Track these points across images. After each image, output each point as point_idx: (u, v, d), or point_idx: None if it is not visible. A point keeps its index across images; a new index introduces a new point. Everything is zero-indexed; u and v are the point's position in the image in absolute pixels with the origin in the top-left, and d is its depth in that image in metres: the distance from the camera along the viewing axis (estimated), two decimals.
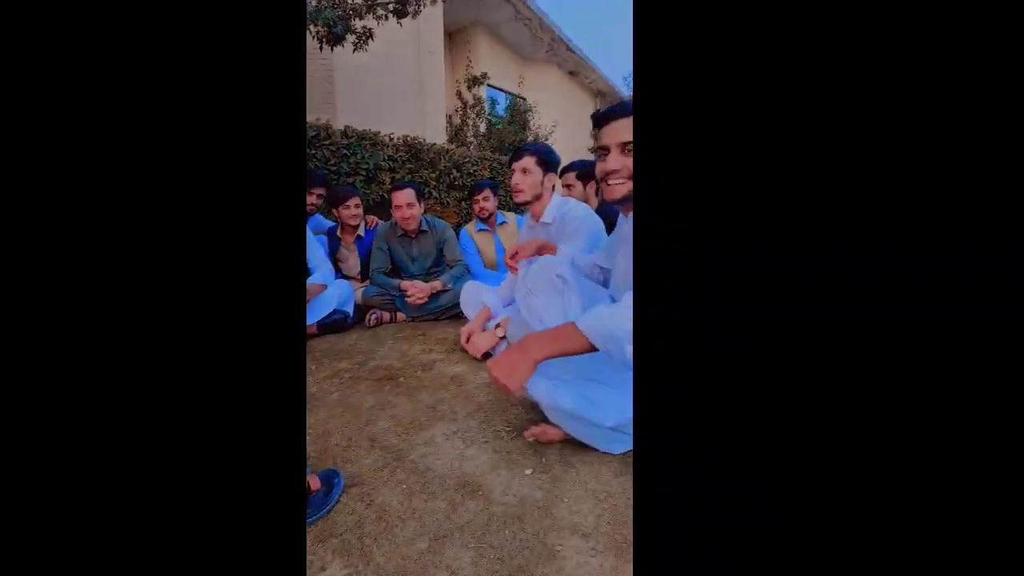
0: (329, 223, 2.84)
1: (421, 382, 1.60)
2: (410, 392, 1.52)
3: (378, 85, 5.04)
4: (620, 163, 0.97)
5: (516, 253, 1.34)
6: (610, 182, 0.99)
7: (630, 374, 1.02)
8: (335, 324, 2.25)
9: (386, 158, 3.59)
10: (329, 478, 0.98)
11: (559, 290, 1.09)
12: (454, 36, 7.17)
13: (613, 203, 1.03)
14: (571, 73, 9.57)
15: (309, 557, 0.81)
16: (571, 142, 8.27)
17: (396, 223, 2.48)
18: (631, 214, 1.05)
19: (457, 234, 2.73)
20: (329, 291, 2.24)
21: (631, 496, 0.95)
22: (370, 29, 3.28)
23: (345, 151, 3.30)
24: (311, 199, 2.50)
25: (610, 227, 1.48)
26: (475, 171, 4.45)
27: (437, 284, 2.37)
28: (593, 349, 0.83)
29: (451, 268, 2.51)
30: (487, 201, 2.60)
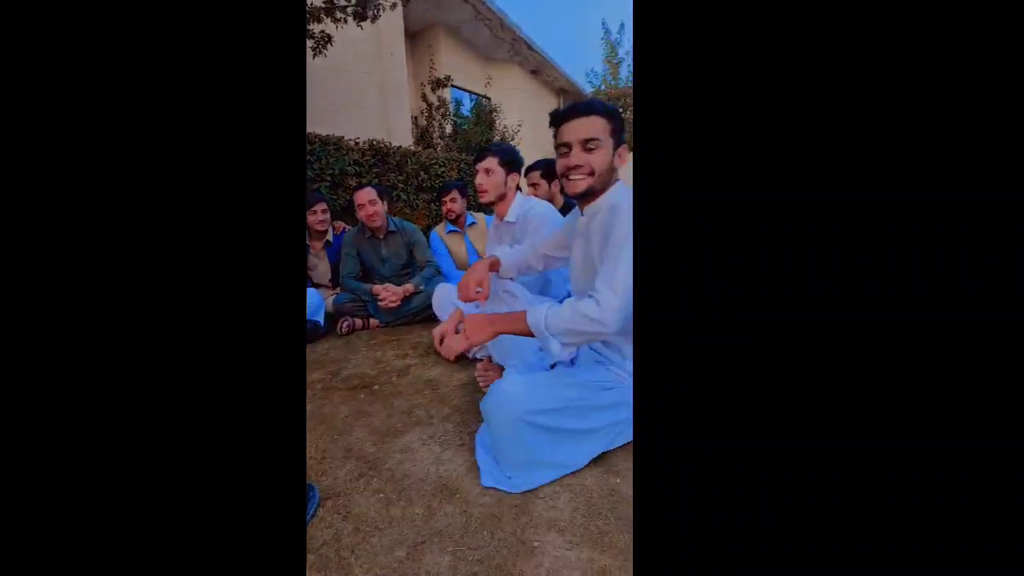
0: None
1: (396, 388, 1.59)
2: (385, 399, 1.50)
3: (339, 89, 4.95)
4: (582, 159, 1.03)
5: (479, 290, 1.36)
6: (571, 177, 1.05)
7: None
8: (306, 334, 2.21)
9: (351, 163, 3.54)
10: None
11: (507, 302, 1.39)
12: (415, 37, 7.10)
13: (574, 197, 1.09)
14: (533, 72, 9.61)
15: None
16: (536, 140, 8.30)
17: (363, 225, 2.47)
18: (587, 207, 1.12)
19: (427, 236, 2.72)
20: None
21: (605, 488, 0.97)
22: (328, 34, 3.22)
23: (309, 157, 3.24)
24: None
25: None
26: (443, 172, 4.43)
27: (409, 287, 2.35)
28: (531, 333, 1.04)
29: (422, 270, 2.50)
30: (455, 203, 2.59)
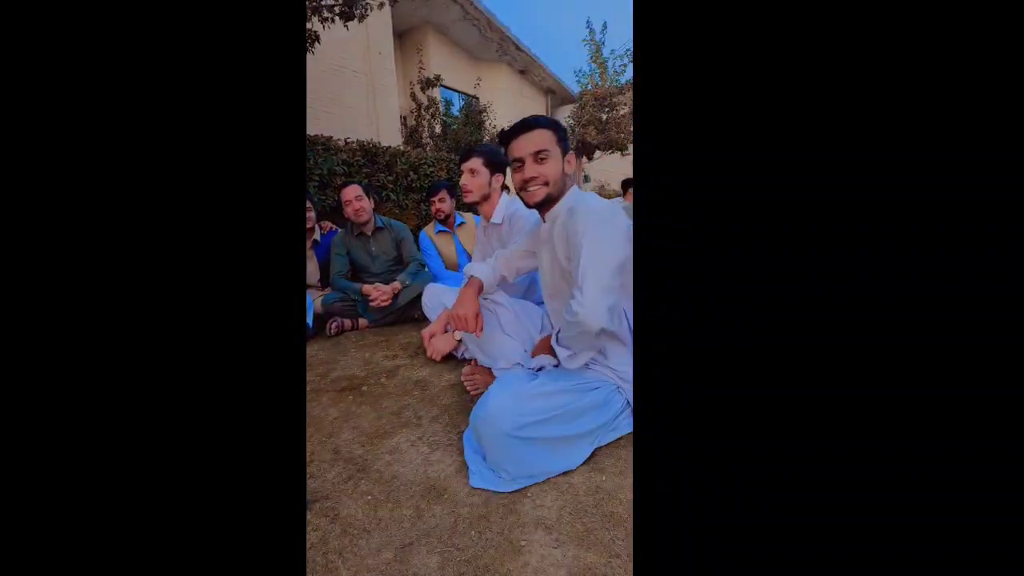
0: None
1: (385, 389, 1.59)
2: (374, 400, 1.50)
3: (328, 89, 4.91)
4: (536, 171, 1.12)
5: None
6: (529, 188, 1.14)
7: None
8: None
9: (340, 163, 3.52)
10: None
11: (494, 311, 1.46)
12: (404, 37, 7.07)
13: (534, 206, 1.18)
14: (522, 72, 9.62)
15: None
16: None
17: (351, 224, 2.49)
18: (547, 214, 1.20)
19: (417, 236, 2.72)
20: None
21: (591, 485, 0.98)
22: (316, 32, 3.20)
23: None
24: None
25: None
26: (432, 172, 4.41)
27: (397, 285, 2.37)
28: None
29: (407, 266, 2.52)
30: (443, 203, 2.59)
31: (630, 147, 8.44)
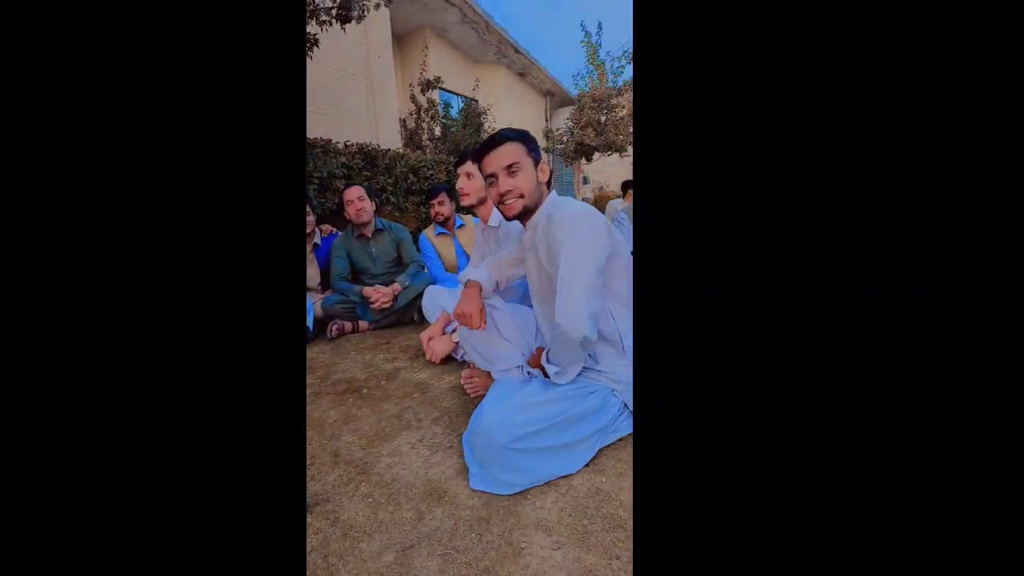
0: None
1: (385, 391, 1.59)
2: (374, 403, 1.50)
3: (327, 92, 4.92)
4: (510, 184, 1.15)
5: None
6: (506, 202, 1.17)
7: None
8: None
9: (339, 165, 3.52)
10: None
11: (490, 314, 1.42)
12: (402, 39, 7.09)
13: (513, 218, 1.21)
14: (520, 74, 9.65)
15: None
16: None
17: (352, 227, 2.50)
18: (528, 223, 1.23)
19: (416, 239, 2.72)
20: None
21: (591, 487, 0.98)
22: (315, 36, 3.20)
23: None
24: None
25: None
26: (432, 175, 4.42)
27: (397, 286, 2.38)
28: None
29: (407, 268, 2.54)
30: (443, 206, 2.59)
31: (629, 149, 8.44)
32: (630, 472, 1.02)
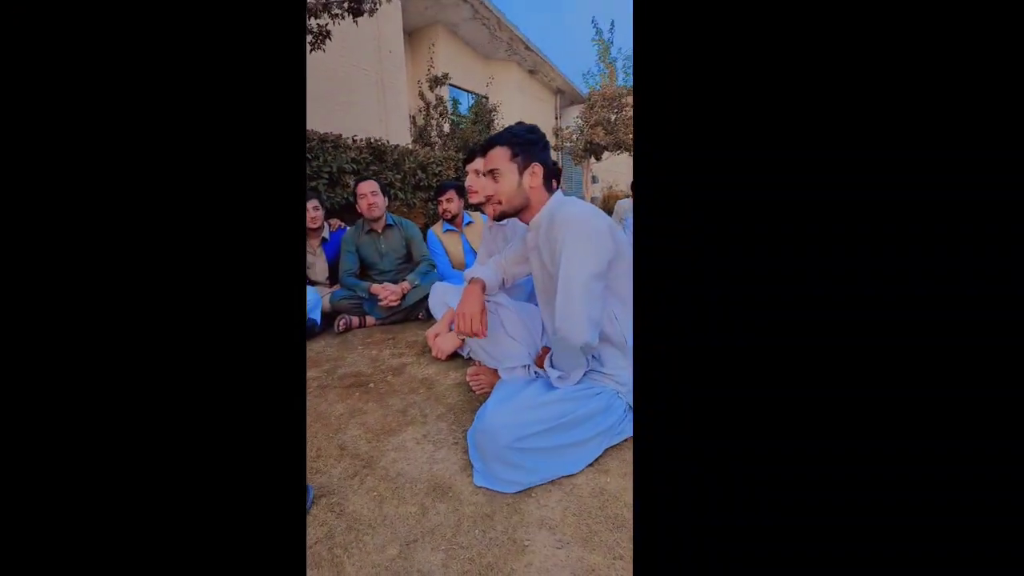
0: None
1: (391, 387, 1.60)
2: (380, 398, 1.51)
3: (338, 87, 4.94)
4: (491, 189, 1.20)
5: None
6: (485, 206, 1.23)
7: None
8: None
9: (349, 160, 3.54)
10: None
11: (496, 311, 1.45)
12: (414, 36, 7.10)
13: (498, 220, 1.25)
14: (531, 72, 9.63)
15: None
16: None
17: (362, 221, 2.51)
18: (531, 222, 1.23)
19: (425, 235, 2.73)
20: None
21: (595, 487, 0.98)
22: (328, 28, 3.21)
23: (307, 155, 3.24)
24: None
25: None
26: (440, 171, 4.43)
27: (406, 284, 2.38)
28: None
29: (418, 265, 2.54)
30: (451, 203, 2.60)
31: None
32: None
